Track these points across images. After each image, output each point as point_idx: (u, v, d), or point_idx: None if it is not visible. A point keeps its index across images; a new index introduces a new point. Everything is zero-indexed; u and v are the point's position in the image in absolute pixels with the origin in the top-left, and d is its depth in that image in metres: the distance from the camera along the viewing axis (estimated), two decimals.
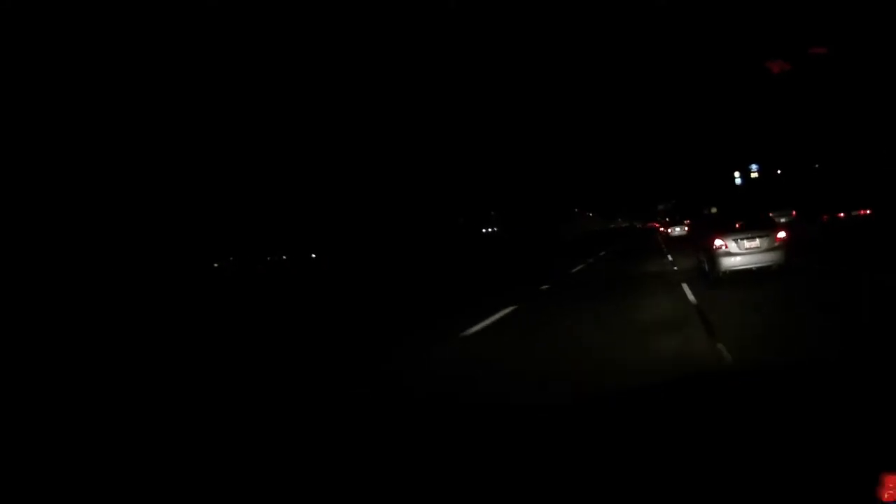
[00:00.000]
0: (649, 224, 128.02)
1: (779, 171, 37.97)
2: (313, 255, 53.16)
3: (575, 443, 1.64)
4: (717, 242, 13.01)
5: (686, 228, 49.89)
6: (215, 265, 46.20)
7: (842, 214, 28.18)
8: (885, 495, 1.12)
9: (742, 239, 12.97)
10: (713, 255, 13.05)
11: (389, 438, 4.35)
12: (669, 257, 22.86)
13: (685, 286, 13.27)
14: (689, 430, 1.61)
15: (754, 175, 44.38)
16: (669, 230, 52.88)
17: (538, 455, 1.58)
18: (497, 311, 12.16)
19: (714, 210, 47.63)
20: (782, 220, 28.45)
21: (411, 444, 2.19)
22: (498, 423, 1.97)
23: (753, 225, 13.65)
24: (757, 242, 12.96)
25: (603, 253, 32.57)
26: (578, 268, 23.53)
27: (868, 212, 28.05)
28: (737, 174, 55.92)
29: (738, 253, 12.91)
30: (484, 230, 67.47)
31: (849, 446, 1.33)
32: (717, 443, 1.48)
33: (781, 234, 13.16)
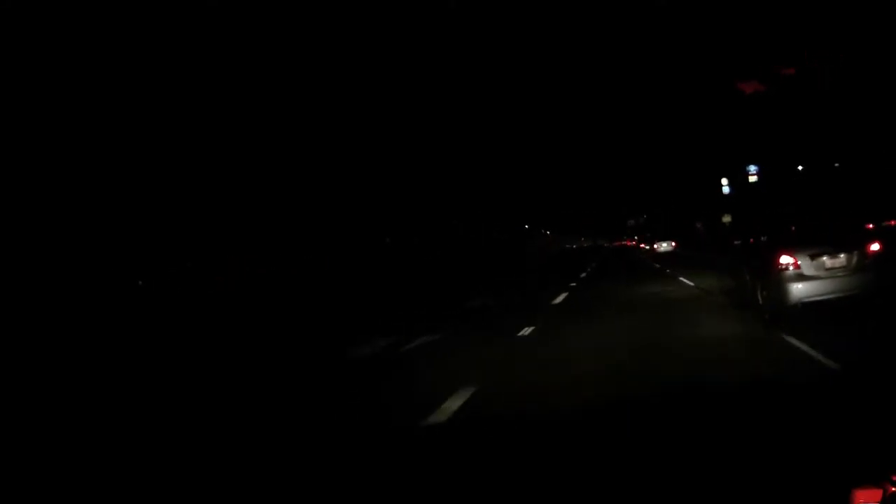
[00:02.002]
0: (618, 242, 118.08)
1: (800, 168, 33.37)
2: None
3: None
4: (785, 260, 8.42)
5: (673, 244, 48.49)
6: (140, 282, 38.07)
7: (870, 226, 24.22)
8: None
9: (820, 255, 8.43)
10: (778, 279, 8.44)
11: None
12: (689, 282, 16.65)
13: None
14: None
15: (753, 178, 39.73)
16: (655, 246, 52.07)
17: None
18: None
19: (728, 219, 43.56)
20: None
21: None
22: None
23: (829, 236, 9.17)
24: (842, 260, 8.44)
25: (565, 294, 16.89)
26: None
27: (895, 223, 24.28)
28: (724, 181, 51.61)
29: (815, 277, 8.35)
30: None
31: (821, 462, 1.44)
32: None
33: (875, 247, 8.71)
